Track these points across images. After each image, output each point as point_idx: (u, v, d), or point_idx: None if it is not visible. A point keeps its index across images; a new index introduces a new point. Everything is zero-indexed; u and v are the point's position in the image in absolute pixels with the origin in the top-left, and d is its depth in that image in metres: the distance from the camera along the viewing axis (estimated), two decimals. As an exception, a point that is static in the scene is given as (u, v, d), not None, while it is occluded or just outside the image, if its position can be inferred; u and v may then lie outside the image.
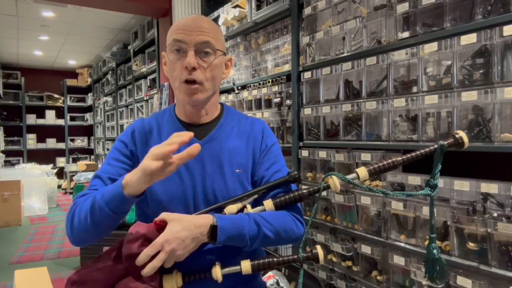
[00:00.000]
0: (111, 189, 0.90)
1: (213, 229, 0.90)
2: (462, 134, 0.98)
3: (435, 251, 0.98)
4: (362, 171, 0.95)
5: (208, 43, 1.01)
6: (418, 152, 0.97)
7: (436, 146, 0.97)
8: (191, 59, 0.98)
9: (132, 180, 0.86)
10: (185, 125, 1.10)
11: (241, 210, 1.00)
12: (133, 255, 0.87)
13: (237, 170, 1.06)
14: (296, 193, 1.01)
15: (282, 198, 1.01)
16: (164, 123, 1.11)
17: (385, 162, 0.96)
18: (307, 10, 2.05)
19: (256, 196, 1.03)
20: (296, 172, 1.05)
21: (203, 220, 0.91)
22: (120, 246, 0.91)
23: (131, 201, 0.89)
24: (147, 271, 0.86)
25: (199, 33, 1.00)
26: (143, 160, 0.84)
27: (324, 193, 1.86)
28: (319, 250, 0.96)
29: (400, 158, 0.97)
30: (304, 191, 1.00)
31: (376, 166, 0.97)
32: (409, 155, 0.97)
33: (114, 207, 0.88)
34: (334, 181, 0.95)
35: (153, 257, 0.87)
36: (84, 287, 0.89)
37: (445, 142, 0.97)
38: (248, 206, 1.00)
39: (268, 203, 1.00)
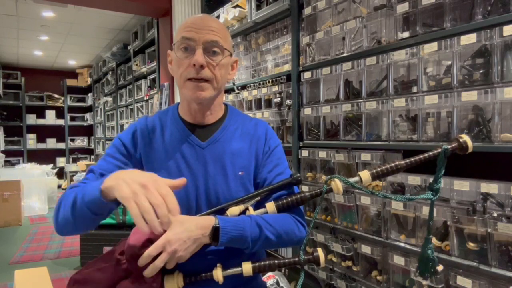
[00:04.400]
0: (91, 191, 0.86)
1: (215, 231, 0.90)
2: (466, 138, 0.96)
3: (429, 251, 1.00)
4: (365, 175, 0.94)
5: (217, 42, 1.00)
6: (421, 156, 0.95)
7: (439, 150, 0.95)
8: (200, 57, 0.98)
9: (110, 187, 0.82)
10: (188, 126, 1.09)
11: (243, 212, 0.99)
12: (135, 256, 0.87)
13: (239, 173, 1.06)
14: (298, 196, 1.01)
15: (284, 201, 1.00)
16: (168, 123, 1.10)
17: (388, 166, 0.95)
18: (307, 10, 2.05)
19: (258, 198, 1.03)
20: (298, 175, 1.05)
21: (205, 222, 0.91)
22: (123, 247, 0.91)
23: (111, 205, 0.87)
24: (149, 271, 0.86)
25: (208, 31, 0.99)
26: (133, 184, 0.78)
27: (324, 193, 1.86)
28: (320, 253, 0.95)
29: (403, 162, 0.95)
30: (307, 193, 1.00)
31: (379, 169, 0.95)
32: (412, 159, 0.95)
33: (95, 209, 0.87)
34: (337, 184, 0.95)
35: (155, 258, 0.87)
36: (86, 286, 0.90)
37: (449, 147, 0.95)
38: (250, 208, 1.00)
39: (270, 206, 1.00)
